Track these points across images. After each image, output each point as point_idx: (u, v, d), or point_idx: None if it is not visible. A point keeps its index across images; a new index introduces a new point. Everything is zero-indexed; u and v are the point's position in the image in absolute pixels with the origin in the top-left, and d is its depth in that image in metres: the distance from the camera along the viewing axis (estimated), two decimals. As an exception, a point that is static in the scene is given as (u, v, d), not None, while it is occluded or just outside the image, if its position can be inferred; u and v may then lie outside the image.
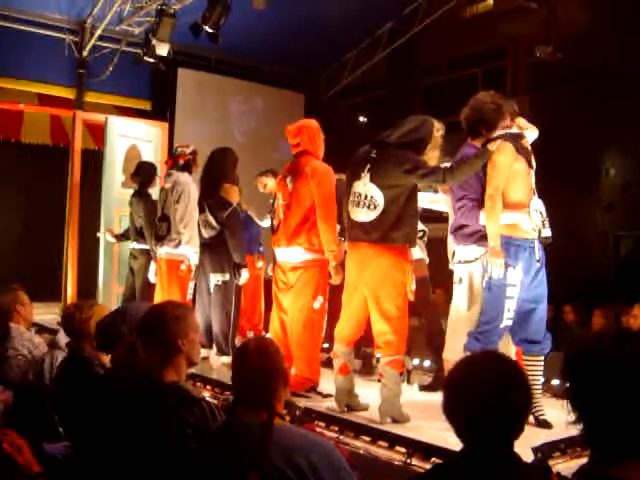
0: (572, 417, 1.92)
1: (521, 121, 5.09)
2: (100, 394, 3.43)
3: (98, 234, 9.52)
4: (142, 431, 2.99)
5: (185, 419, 2.96)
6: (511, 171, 4.82)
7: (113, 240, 8.80)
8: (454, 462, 2.27)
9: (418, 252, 6.16)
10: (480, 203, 4.89)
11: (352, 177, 5.16)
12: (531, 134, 5.09)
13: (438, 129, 5.20)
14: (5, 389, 4.07)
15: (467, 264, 5.04)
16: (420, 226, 5.73)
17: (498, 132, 4.95)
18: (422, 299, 5.86)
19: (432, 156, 5.17)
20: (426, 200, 5.59)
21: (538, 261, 4.87)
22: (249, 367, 2.75)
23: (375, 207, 4.96)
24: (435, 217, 6.22)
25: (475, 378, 2.19)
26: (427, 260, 6.51)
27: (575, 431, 1.94)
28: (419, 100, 13.94)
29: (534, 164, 4.98)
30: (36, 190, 13.09)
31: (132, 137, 10.59)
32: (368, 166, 5.02)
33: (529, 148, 4.99)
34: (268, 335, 6.04)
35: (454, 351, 4.89)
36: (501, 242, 4.73)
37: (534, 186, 4.97)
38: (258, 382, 2.71)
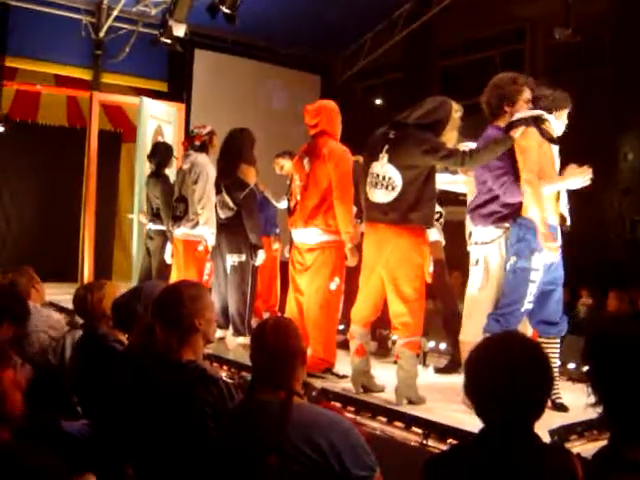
0: (591, 400, 1.92)
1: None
2: (118, 371, 3.44)
3: (130, 215, 9.56)
4: (161, 410, 3.01)
5: (204, 398, 2.97)
6: (540, 154, 4.78)
7: (145, 221, 8.81)
8: (474, 442, 2.27)
9: (435, 234, 6.15)
10: (516, 178, 4.86)
11: (370, 158, 5.15)
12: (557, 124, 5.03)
13: (456, 110, 5.16)
14: (24, 363, 4.09)
15: (484, 245, 5.02)
16: (437, 208, 5.71)
17: (521, 113, 4.91)
18: (438, 281, 5.84)
19: (450, 137, 5.15)
20: (444, 181, 5.56)
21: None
22: (267, 346, 2.76)
23: (393, 188, 4.94)
24: (452, 199, 6.21)
25: (497, 358, 2.19)
26: (443, 242, 6.50)
27: (593, 414, 1.93)
28: (436, 82, 13.87)
29: (557, 141, 4.94)
30: (53, 171, 13.15)
31: (159, 119, 10.66)
32: (386, 147, 5.01)
33: (552, 130, 4.93)
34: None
35: (470, 333, 4.89)
36: (526, 225, 4.70)
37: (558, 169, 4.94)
38: (276, 361, 2.72)
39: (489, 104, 5.08)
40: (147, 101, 11.10)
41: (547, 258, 4.74)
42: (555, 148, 4.93)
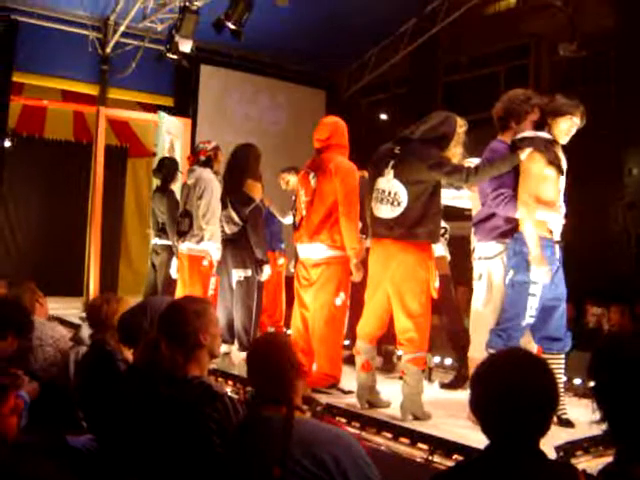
0: (597, 416, 1.92)
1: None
2: (124, 387, 3.45)
3: (149, 230, 9.58)
4: (166, 426, 3.02)
5: (209, 414, 2.98)
6: (542, 176, 4.78)
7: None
8: (479, 458, 2.27)
9: (440, 249, 6.16)
10: (515, 195, 4.86)
11: (375, 174, 5.16)
12: (561, 140, 5.01)
13: (461, 125, 5.18)
14: (31, 380, 4.10)
15: (487, 260, 5.03)
16: (442, 223, 5.71)
17: (528, 132, 4.92)
18: (444, 297, 5.83)
19: (455, 152, 5.16)
20: (449, 197, 5.58)
21: (557, 260, 4.85)
22: (260, 362, 2.78)
23: (399, 203, 4.95)
24: (457, 215, 6.21)
25: (503, 375, 2.19)
26: (449, 258, 6.50)
27: (598, 430, 1.93)
28: (441, 98, 13.88)
29: (564, 170, 4.93)
30: (59, 186, 13.21)
31: (172, 134, 10.73)
32: (392, 162, 5.02)
33: (560, 155, 4.93)
34: (289, 331, 6.05)
35: (478, 349, 4.89)
36: (525, 240, 4.71)
37: (562, 191, 4.94)
38: (272, 377, 2.74)
39: (498, 116, 5.11)
40: (165, 116, 11.18)
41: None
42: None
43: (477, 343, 4.98)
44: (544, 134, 4.90)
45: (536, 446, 2.17)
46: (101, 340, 4.36)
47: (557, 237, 4.86)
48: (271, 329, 8.12)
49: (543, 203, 4.78)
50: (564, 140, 4.97)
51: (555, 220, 4.83)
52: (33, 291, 5.49)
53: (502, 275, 4.90)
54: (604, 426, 1.91)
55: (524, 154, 4.80)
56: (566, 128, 4.94)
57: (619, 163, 11.11)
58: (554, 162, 4.81)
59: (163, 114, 11.43)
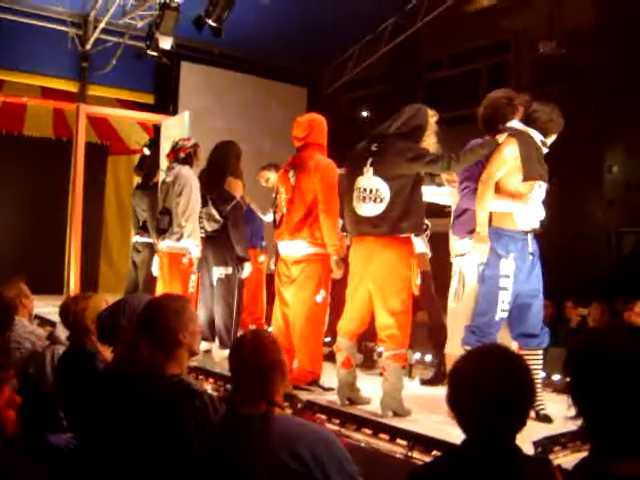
0: (572, 412, 1.93)
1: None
2: (103, 386, 3.44)
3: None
4: (145, 425, 3.01)
5: (187, 412, 2.98)
6: (515, 163, 4.80)
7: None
8: (455, 453, 2.29)
9: (421, 246, 6.18)
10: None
11: (353, 173, 5.17)
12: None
13: (432, 115, 5.22)
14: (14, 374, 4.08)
15: (460, 257, 5.07)
16: (423, 218, 5.74)
17: (517, 123, 4.95)
18: (424, 293, 5.86)
19: (430, 142, 5.19)
20: (429, 194, 5.60)
21: (532, 254, 4.84)
22: (245, 359, 2.77)
23: (381, 200, 4.96)
24: (437, 212, 6.23)
25: (478, 371, 2.21)
26: (430, 254, 6.53)
27: (574, 426, 1.95)
28: (422, 95, 13.91)
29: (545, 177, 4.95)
30: (39, 183, 13.12)
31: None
32: (370, 160, 5.04)
33: (540, 149, 4.95)
34: (270, 329, 6.05)
35: (453, 345, 4.92)
36: (492, 232, 4.74)
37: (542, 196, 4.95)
38: (254, 374, 2.73)
39: (483, 120, 5.14)
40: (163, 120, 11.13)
41: (518, 266, 4.74)
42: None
43: (453, 339, 5.02)
44: (534, 133, 4.92)
45: (512, 441, 2.19)
46: (79, 340, 4.34)
47: (526, 228, 4.84)
48: (252, 326, 8.11)
49: (508, 194, 4.79)
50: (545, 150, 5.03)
51: (523, 212, 4.81)
52: (19, 290, 5.44)
53: (474, 271, 4.92)
54: (579, 422, 1.92)
55: (501, 137, 4.84)
56: (548, 143, 5.03)
57: (599, 161, 11.18)
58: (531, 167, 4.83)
59: (164, 117, 11.32)
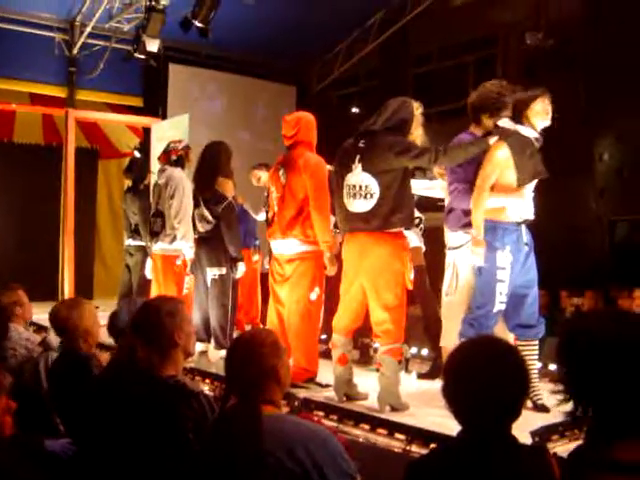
0: (561, 397, 1.94)
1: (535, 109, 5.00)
2: (99, 389, 3.44)
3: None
4: (143, 426, 3.01)
5: (184, 413, 2.98)
6: (507, 164, 4.80)
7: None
8: (452, 445, 2.29)
9: (415, 240, 6.18)
10: (472, 188, 4.89)
11: (342, 170, 5.18)
12: (541, 122, 5.01)
13: (417, 107, 5.21)
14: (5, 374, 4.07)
15: (454, 250, 5.08)
16: (416, 213, 5.74)
17: (508, 122, 4.94)
18: (419, 287, 5.87)
19: (417, 135, 5.19)
20: (421, 187, 5.61)
21: (526, 244, 4.87)
22: (236, 359, 2.77)
23: (371, 195, 4.97)
24: (431, 206, 6.23)
25: (473, 362, 2.22)
26: (424, 248, 6.53)
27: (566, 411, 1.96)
28: (411, 89, 13.90)
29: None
30: (30, 190, 13.09)
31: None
32: (358, 156, 5.04)
33: (533, 145, 4.94)
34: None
35: (448, 338, 4.92)
36: (487, 225, 4.75)
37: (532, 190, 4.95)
38: (244, 374, 2.72)
39: (472, 107, 5.16)
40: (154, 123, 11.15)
41: (514, 258, 4.76)
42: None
43: (447, 332, 5.03)
44: (525, 131, 4.90)
45: (507, 431, 2.19)
46: (72, 346, 4.33)
47: (519, 219, 4.86)
48: (248, 326, 8.12)
49: (502, 190, 4.80)
50: (546, 120, 4.97)
51: (515, 204, 4.83)
52: (16, 298, 5.41)
53: (468, 264, 4.93)
54: (568, 407, 1.93)
55: (492, 140, 4.85)
56: (542, 108, 4.95)
57: (589, 149, 11.19)
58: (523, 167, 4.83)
59: (154, 120, 11.32)
